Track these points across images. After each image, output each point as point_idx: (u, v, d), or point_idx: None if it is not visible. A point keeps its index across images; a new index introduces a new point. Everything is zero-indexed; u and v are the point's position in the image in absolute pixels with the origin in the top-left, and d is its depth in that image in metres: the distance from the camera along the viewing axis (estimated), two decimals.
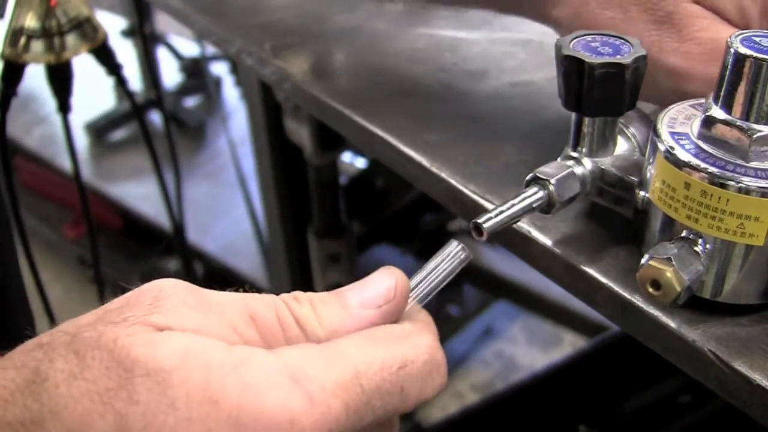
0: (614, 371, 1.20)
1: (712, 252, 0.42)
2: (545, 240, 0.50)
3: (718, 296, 0.43)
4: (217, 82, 2.58)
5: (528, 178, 0.45)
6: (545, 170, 0.45)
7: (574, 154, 0.47)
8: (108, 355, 0.29)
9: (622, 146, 0.48)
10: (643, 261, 0.42)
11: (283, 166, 1.32)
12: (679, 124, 0.44)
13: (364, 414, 0.31)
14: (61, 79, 0.77)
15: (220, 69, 2.59)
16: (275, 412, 0.29)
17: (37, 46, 0.73)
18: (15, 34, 0.73)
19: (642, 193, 0.45)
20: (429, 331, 0.35)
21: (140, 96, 2.35)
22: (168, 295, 0.32)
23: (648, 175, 0.45)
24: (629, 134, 0.49)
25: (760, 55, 0.40)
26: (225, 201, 2.21)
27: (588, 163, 0.47)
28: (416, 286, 0.37)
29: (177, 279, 0.34)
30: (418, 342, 0.34)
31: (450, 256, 0.38)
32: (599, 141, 0.47)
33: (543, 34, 0.56)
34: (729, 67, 0.41)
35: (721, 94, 0.42)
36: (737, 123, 0.41)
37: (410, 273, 0.37)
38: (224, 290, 0.34)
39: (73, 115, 0.81)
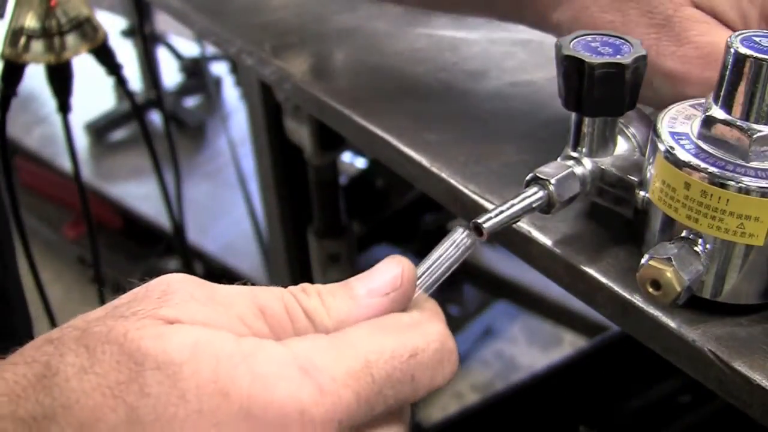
0: (614, 371, 1.20)
1: (712, 252, 0.42)
2: (545, 240, 0.50)
3: (718, 296, 0.43)
4: (217, 82, 2.58)
5: (528, 178, 0.45)
6: (545, 170, 0.45)
7: (574, 154, 0.47)
8: (118, 349, 0.30)
9: (622, 146, 0.48)
10: (643, 261, 0.42)
11: (283, 166, 1.32)
12: (679, 124, 0.44)
13: (375, 403, 0.31)
14: (61, 79, 0.77)
15: (220, 69, 2.59)
16: (285, 403, 0.29)
17: (37, 46, 0.73)
18: (15, 34, 0.73)
19: (642, 193, 0.45)
20: (438, 318, 0.35)
21: (140, 96, 2.35)
22: (176, 289, 0.32)
23: (648, 175, 0.45)
24: (629, 134, 0.49)
25: (760, 55, 0.40)
26: (225, 201, 2.21)
27: (588, 163, 0.47)
28: (423, 274, 0.37)
29: (184, 274, 0.34)
30: (428, 330, 0.34)
31: (455, 244, 0.38)
32: (599, 141, 0.47)
33: (543, 34, 0.57)
34: (729, 67, 0.41)
35: (721, 94, 0.42)
36: (737, 123, 0.41)
37: None
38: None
39: (73, 115, 0.81)
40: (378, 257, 0.35)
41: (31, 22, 0.73)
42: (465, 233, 0.38)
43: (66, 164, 2.14)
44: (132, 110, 0.99)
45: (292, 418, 0.29)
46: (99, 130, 2.45)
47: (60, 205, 2.25)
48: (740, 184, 0.40)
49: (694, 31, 0.48)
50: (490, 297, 1.93)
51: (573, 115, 0.47)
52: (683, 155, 0.42)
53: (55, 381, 0.29)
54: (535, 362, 1.80)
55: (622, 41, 0.45)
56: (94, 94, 2.06)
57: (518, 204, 0.43)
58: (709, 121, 0.42)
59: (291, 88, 0.72)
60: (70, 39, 0.74)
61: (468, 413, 1.19)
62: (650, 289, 0.42)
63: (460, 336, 1.85)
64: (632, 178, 0.46)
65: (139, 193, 2.16)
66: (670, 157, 0.42)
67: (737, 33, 0.41)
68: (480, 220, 0.40)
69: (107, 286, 1.98)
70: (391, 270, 0.35)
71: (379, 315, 0.34)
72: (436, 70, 0.70)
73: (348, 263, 1.36)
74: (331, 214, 1.34)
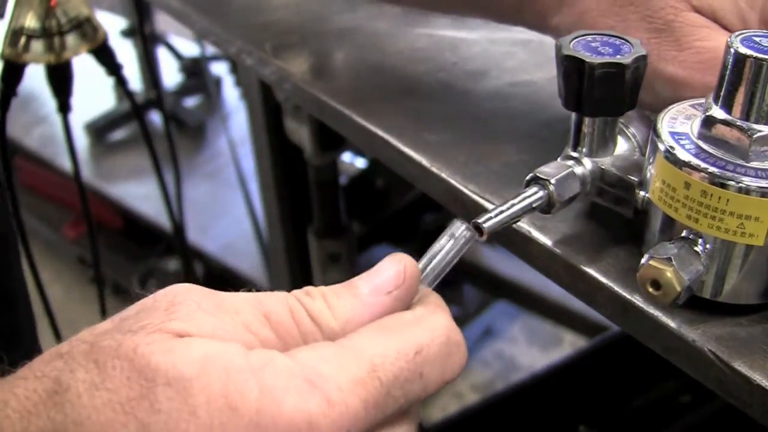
0: (614, 371, 1.20)
1: (712, 252, 0.42)
2: (545, 240, 0.50)
3: (718, 296, 0.43)
4: (217, 82, 2.58)
5: (528, 178, 0.45)
6: (545, 170, 0.45)
7: (574, 154, 0.47)
8: (129, 365, 0.30)
9: (622, 146, 0.48)
10: (643, 261, 0.42)
11: (283, 166, 1.32)
12: (679, 124, 0.44)
13: (385, 406, 0.31)
14: (61, 79, 0.77)
15: (220, 69, 2.59)
16: (293, 416, 0.29)
17: (37, 46, 0.73)
18: (15, 34, 0.73)
19: (642, 193, 0.45)
20: (442, 311, 0.35)
21: (140, 96, 2.35)
22: (183, 300, 0.32)
23: (648, 175, 0.45)
24: (629, 134, 0.49)
25: (760, 55, 0.40)
26: (225, 201, 2.21)
27: (588, 163, 0.47)
28: (424, 269, 0.37)
29: (189, 283, 0.34)
30: (432, 324, 0.34)
31: (455, 237, 0.38)
32: (599, 141, 0.47)
33: (543, 35, 0.57)
34: (729, 67, 0.41)
35: (721, 94, 0.42)
36: (737, 123, 0.41)
37: None
38: (226, 290, 0.34)
39: (73, 115, 0.81)
40: (378, 257, 0.35)
41: (31, 22, 0.73)
42: (464, 226, 0.38)
43: (66, 164, 2.14)
44: (132, 110, 0.99)
45: (301, 430, 0.29)
46: (99, 130, 2.45)
47: (60, 205, 2.25)
48: (740, 184, 0.40)
49: (694, 35, 0.48)
50: (490, 297, 1.93)
51: (573, 115, 0.47)
52: (683, 155, 0.42)
53: (67, 397, 0.29)
54: (535, 362, 1.80)
55: (622, 41, 0.45)
56: (94, 94, 2.06)
57: (518, 204, 0.43)
58: (709, 121, 0.42)
59: (291, 88, 0.72)
60: (70, 39, 0.74)
61: (468, 413, 1.19)
62: (650, 289, 0.42)
63: None
64: (632, 178, 0.46)
65: (139, 193, 2.16)
66: (671, 157, 0.42)
67: (737, 33, 0.41)
68: (480, 220, 0.40)
69: (107, 286, 1.98)
70: (393, 267, 0.35)
71: (384, 313, 0.34)
72: (436, 70, 0.70)
73: (348, 263, 1.36)
74: (331, 214, 1.34)
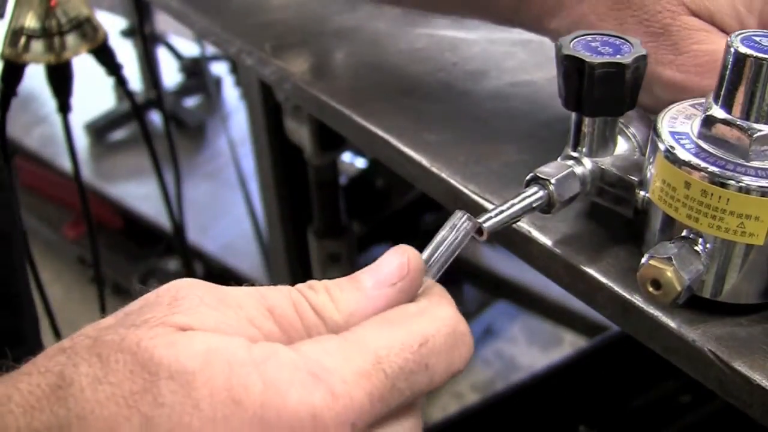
0: (614, 371, 1.20)
1: (713, 251, 0.42)
2: (545, 240, 0.50)
3: (718, 296, 0.43)
4: (217, 82, 2.58)
5: (528, 178, 0.45)
6: (545, 170, 0.45)
7: (574, 154, 0.47)
8: (132, 358, 0.30)
9: (622, 146, 0.48)
10: (643, 261, 0.42)
11: (283, 166, 1.32)
12: (680, 124, 0.44)
13: (391, 398, 0.31)
14: (61, 79, 0.77)
15: (220, 69, 2.59)
16: (297, 409, 0.29)
17: (37, 46, 0.74)
18: (15, 34, 0.73)
19: (642, 192, 0.45)
20: (447, 302, 0.35)
21: (140, 96, 2.35)
22: (185, 295, 0.32)
23: (648, 174, 0.45)
24: (629, 134, 0.49)
25: (760, 55, 0.40)
26: (225, 201, 2.21)
27: (588, 163, 0.47)
28: (426, 261, 0.37)
29: (192, 278, 0.34)
30: (436, 315, 0.34)
31: (456, 228, 0.37)
32: (599, 141, 0.47)
33: None
34: (729, 66, 0.41)
35: (722, 93, 0.42)
36: (737, 122, 0.41)
37: None
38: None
39: (73, 115, 0.81)
40: (378, 257, 0.35)
41: (31, 22, 0.73)
42: (465, 216, 0.38)
43: (66, 164, 2.14)
44: (132, 110, 0.99)
45: (305, 423, 0.29)
46: (99, 130, 2.45)
47: (60, 205, 2.25)
48: (740, 184, 0.40)
49: (691, 39, 0.48)
50: (490, 297, 1.93)
51: (573, 115, 0.47)
52: (683, 155, 0.42)
53: (70, 392, 0.29)
54: (535, 362, 1.80)
55: (622, 41, 0.45)
56: (94, 94, 2.06)
57: (518, 204, 0.43)
58: (709, 121, 0.42)
59: (291, 88, 0.72)
60: (70, 39, 0.74)
61: (468, 413, 1.19)
62: (650, 289, 0.42)
63: None
64: (632, 177, 0.46)
65: (139, 193, 2.17)
66: (671, 157, 0.42)
67: (737, 33, 0.41)
68: (480, 220, 0.40)
69: (107, 286, 1.98)
70: (396, 259, 0.35)
71: (388, 305, 0.34)
72: (436, 70, 0.70)
73: (348, 263, 1.36)
74: (331, 214, 1.34)
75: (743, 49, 0.40)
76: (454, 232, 0.37)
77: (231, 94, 2.59)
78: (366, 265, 0.35)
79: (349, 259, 1.36)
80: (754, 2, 0.48)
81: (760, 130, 0.41)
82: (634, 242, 0.48)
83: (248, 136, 1.42)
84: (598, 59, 0.44)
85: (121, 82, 0.84)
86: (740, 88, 0.41)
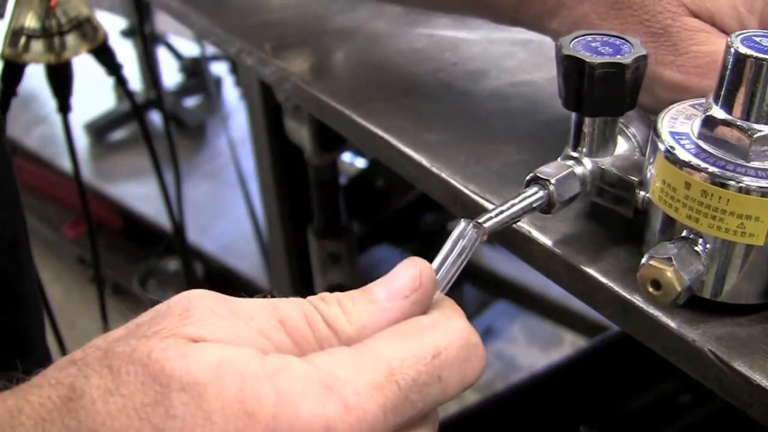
0: (614, 371, 1.20)
1: (713, 252, 0.42)
2: (545, 240, 0.50)
3: (718, 296, 0.43)
4: (217, 82, 2.59)
5: (528, 178, 0.45)
6: (545, 170, 0.45)
7: (574, 154, 0.47)
8: (143, 370, 0.30)
9: (622, 146, 0.48)
10: (643, 261, 0.42)
11: (283, 166, 1.32)
12: (680, 124, 0.44)
13: (404, 410, 0.31)
14: (61, 79, 0.77)
15: (220, 69, 2.59)
16: (310, 421, 0.29)
17: (37, 46, 0.74)
18: (15, 34, 0.73)
19: (642, 193, 0.45)
20: (458, 315, 0.35)
21: (140, 96, 2.35)
22: (197, 306, 0.32)
23: (648, 174, 0.45)
24: (629, 134, 0.49)
25: (760, 55, 0.40)
26: (225, 201, 2.21)
27: (588, 163, 0.47)
28: (436, 273, 0.37)
29: (203, 289, 0.34)
30: (449, 328, 0.34)
31: (463, 238, 0.37)
32: (599, 141, 0.47)
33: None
34: (729, 66, 0.41)
35: (722, 93, 0.42)
36: (737, 123, 0.41)
37: None
38: (226, 291, 0.34)
39: (73, 115, 0.81)
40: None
41: (31, 22, 0.73)
42: (470, 225, 0.38)
43: (66, 164, 2.14)
44: (132, 110, 0.99)
45: None
46: (99, 130, 2.45)
47: (60, 205, 2.25)
48: (741, 184, 0.40)
49: (692, 40, 0.48)
50: (490, 297, 1.93)
51: (573, 115, 0.47)
52: (684, 155, 0.42)
53: (81, 404, 0.29)
54: (535, 362, 1.80)
55: (622, 41, 0.45)
56: (94, 94, 2.06)
57: (518, 204, 0.43)
58: (709, 121, 0.42)
59: (291, 88, 0.72)
60: (70, 39, 0.74)
61: (468, 413, 1.19)
62: (650, 289, 0.42)
63: None
64: (632, 178, 0.46)
65: (139, 193, 2.17)
66: (671, 157, 0.42)
67: (737, 33, 0.41)
68: (480, 220, 0.40)
69: (107, 286, 1.98)
70: (409, 272, 0.34)
71: (400, 318, 0.34)
72: (436, 70, 0.70)
73: (348, 263, 1.36)
74: (331, 214, 1.34)
75: (743, 50, 0.40)
76: (460, 243, 0.37)
77: (231, 94, 2.60)
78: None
79: (349, 259, 1.36)
80: (755, 3, 0.48)
81: (760, 131, 0.41)
82: (634, 242, 0.48)
83: (248, 136, 1.42)
84: (598, 59, 0.44)
85: (121, 82, 0.84)
86: (740, 88, 0.41)
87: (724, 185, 0.40)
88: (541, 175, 0.45)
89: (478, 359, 0.34)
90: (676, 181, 0.42)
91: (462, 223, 0.38)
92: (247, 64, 0.77)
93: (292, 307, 0.33)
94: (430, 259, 0.37)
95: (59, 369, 0.31)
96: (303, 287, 1.44)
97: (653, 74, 0.48)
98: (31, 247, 0.82)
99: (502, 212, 0.42)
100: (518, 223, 0.51)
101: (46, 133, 2.41)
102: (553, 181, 0.45)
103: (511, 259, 1.14)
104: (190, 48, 2.56)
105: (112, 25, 2.45)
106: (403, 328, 0.33)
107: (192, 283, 1.43)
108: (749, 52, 0.40)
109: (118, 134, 2.48)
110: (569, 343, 1.85)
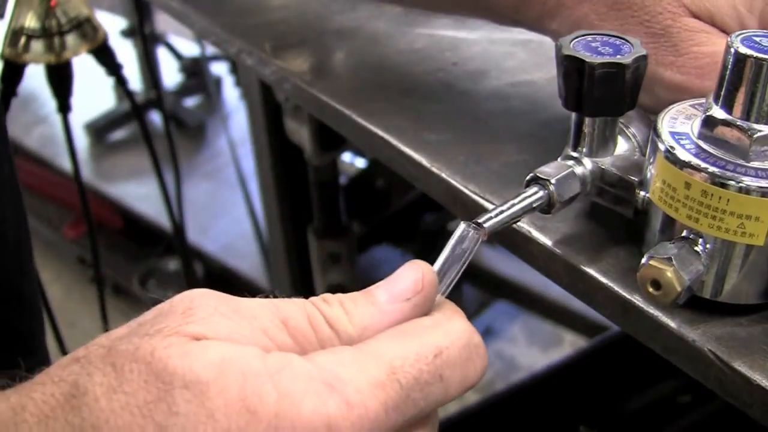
0: (614, 371, 1.20)
1: (713, 252, 0.42)
2: (545, 240, 0.50)
3: (718, 296, 0.43)
4: (217, 82, 2.59)
5: (528, 178, 0.45)
6: (545, 170, 0.45)
7: (574, 154, 0.47)
8: (146, 368, 0.30)
9: (622, 146, 0.48)
10: (643, 261, 0.42)
11: (283, 166, 1.32)
12: (680, 124, 0.44)
13: (405, 409, 0.31)
14: (61, 79, 0.77)
15: (220, 69, 2.59)
16: (312, 419, 0.29)
17: (37, 46, 0.74)
18: (15, 34, 0.73)
19: (642, 193, 0.45)
20: (459, 316, 0.35)
21: (140, 96, 2.35)
22: (199, 304, 0.32)
23: (648, 174, 0.45)
24: (629, 134, 0.49)
25: (760, 55, 0.40)
26: (225, 201, 2.21)
27: (588, 163, 0.47)
28: (438, 276, 0.37)
29: (206, 289, 0.34)
30: (450, 328, 0.34)
31: (463, 240, 0.38)
32: (599, 141, 0.47)
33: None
34: (729, 67, 0.41)
35: (722, 93, 0.42)
36: (738, 123, 0.41)
37: None
38: (227, 290, 0.34)
39: (73, 115, 0.81)
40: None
41: (31, 22, 0.73)
42: (470, 227, 0.38)
43: (66, 164, 2.14)
44: (132, 110, 0.99)
45: None
46: (99, 130, 2.45)
47: (60, 205, 2.25)
48: (741, 184, 0.40)
49: (692, 40, 0.48)
50: (490, 297, 1.93)
51: (573, 115, 0.47)
52: (684, 155, 0.42)
53: (84, 401, 0.29)
54: (535, 362, 1.80)
55: (622, 41, 0.45)
56: (94, 94, 2.06)
57: (518, 204, 0.43)
58: (709, 121, 0.42)
59: (291, 88, 0.72)
60: (70, 39, 0.74)
61: (468, 413, 1.19)
62: (650, 289, 0.42)
63: None
64: (632, 178, 0.46)
65: (139, 193, 2.17)
66: (671, 157, 0.42)
67: (737, 33, 0.41)
68: (480, 220, 0.40)
69: (107, 286, 1.98)
70: (411, 274, 0.35)
71: (402, 320, 0.34)
72: (436, 70, 0.70)
73: (348, 263, 1.36)
74: (331, 214, 1.34)
75: (743, 50, 0.40)
76: (461, 245, 0.37)
77: (231, 94, 2.60)
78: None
79: (349, 259, 1.36)
80: (755, 3, 0.48)
81: (760, 131, 0.41)
82: (634, 242, 0.48)
83: (248, 136, 1.42)
84: (598, 59, 0.44)
85: (121, 82, 0.84)
86: (740, 88, 0.41)
87: (724, 185, 0.40)
88: (541, 175, 0.45)
89: (480, 360, 0.34)
90: (676, 181, 0.42)
91: (462, 225, 0.38)
92: (247, 64, 0.77)
93: (294, 307, 0.33)
94: (431, 261, 0.37)
95: (62, 366, 0.31)
96: (303, 287, 1.45)
97: (653, 75, 0.48)
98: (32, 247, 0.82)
99: (502, 212, 0.42)
100: (518, 223, 0.51)
101: (46, 133, 2.41)
102: (553, 181, 0.45)
103: (511, 259, 1.14)
104: (190, 48, 2.56)
105: (112, 25, 2.45)
106: (404, 328, 0.34)
107: (192, 283, 1.43)
108: (749, 52, 0.40)
109: (118, 134, 2.48)
110: (569, 343, 1.85)
